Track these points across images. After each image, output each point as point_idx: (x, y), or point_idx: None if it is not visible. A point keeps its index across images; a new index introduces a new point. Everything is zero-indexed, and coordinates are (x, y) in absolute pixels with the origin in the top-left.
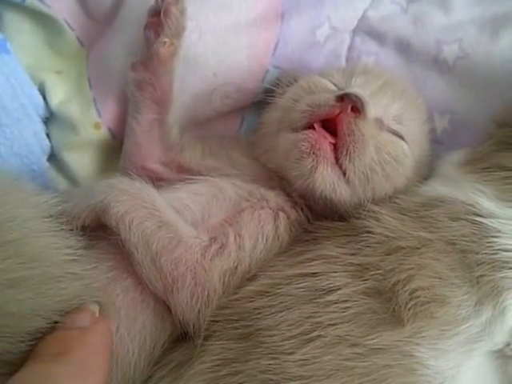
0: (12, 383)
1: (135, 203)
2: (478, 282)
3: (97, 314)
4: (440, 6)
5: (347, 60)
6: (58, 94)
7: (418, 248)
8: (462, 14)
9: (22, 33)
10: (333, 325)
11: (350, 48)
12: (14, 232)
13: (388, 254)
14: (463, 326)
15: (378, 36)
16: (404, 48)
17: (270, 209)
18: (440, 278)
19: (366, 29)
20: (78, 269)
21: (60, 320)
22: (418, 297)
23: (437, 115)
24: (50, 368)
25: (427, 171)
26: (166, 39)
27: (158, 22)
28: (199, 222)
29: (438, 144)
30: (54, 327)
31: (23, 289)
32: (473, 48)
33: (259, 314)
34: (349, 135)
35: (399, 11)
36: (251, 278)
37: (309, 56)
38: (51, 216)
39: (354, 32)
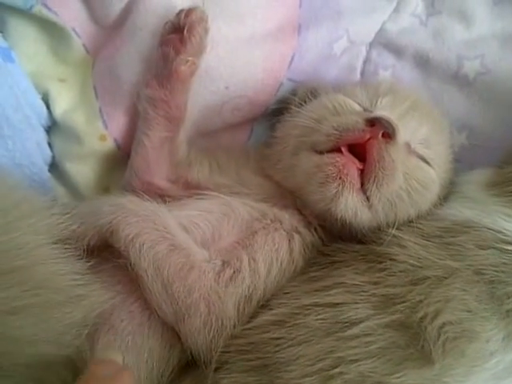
0: None
1: (146, 225)
2: (508, 316)
3: (120, 363)
4: (460, 20)
5: (362, 73)
6: (62, 103)
7: (445, 278)
8: (484, 29)
9: (27, 40)
10: (355, 361)
11: (366, 61)
12: (21, 260)
13: (414, 285)
14: (491, 362)
15: (395, 49)
16: (423, 62)
17: (285, 231)
18: (468, 311)
19: (383, 42)
20: (83, 290)
21: (86, 372)
22: (447, 332)
23: (455, 131)
24: None
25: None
26: (190, 58)
27: (177, 38)
28: (210, 242)
29: (456, 161)
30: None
31: (26, 315)
32: (495, 64)
33: (276, 346)
34: (379, 162)
35: (418, 24)
36: (266, 305)
37: (323, 68)
38: (59, 241)
39: (371, 45)
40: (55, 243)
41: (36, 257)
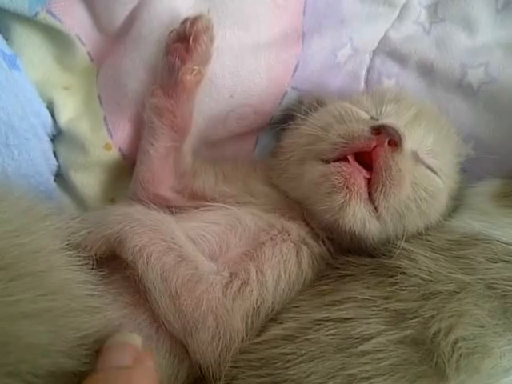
0: None
1: (154, 236)
2: None
3: (140, 348)
4: (464, 28)
5: (366, 81)
6: (67, 112)
7: (457, 292)
8: (488, 37)
9: (31, 47)
10: (367, 378)
11: (370, 69)
12: (39, 264)
13: (425, 299)
14: (506, 379)
15: (399, 57)
16: (427, 71)
17: (292, 242)
18: (481, 327)
19: (387, 50)
20: (98, 303)
21: (100, 360)
22: (461, 348)
23: (461, 141)
24: None
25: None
26: (196, 67)
27: (182, 47)
28: (217, 254)
29: (463, 171)
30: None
31: (41, 321)
32: (499, 72)
33: (287, 361)
34: (385, 170)
35: (421, 32)
36: (275, 318)
37: (327, 77)
38: (73, 248)
39: (375, 53)
40: (69, 250)
41: (52, 262)
